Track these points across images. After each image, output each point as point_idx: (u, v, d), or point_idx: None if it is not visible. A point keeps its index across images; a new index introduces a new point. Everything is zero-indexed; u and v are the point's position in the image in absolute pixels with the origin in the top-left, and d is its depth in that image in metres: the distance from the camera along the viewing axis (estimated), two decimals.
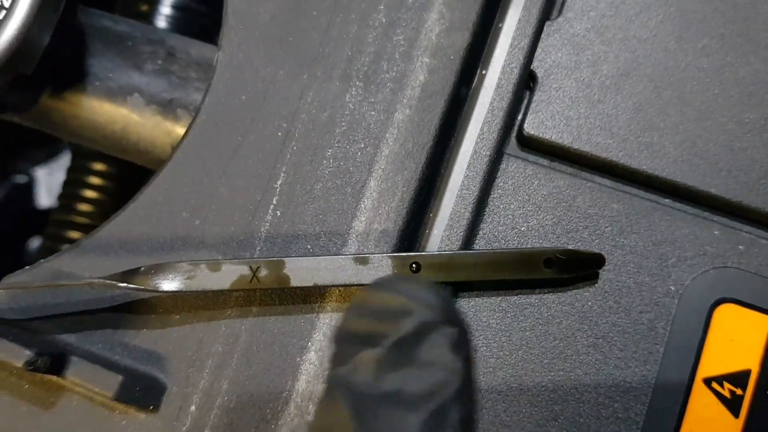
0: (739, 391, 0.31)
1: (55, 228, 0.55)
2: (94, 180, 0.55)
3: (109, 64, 0.40)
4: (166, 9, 0.54)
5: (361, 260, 0.31)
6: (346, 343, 0.23)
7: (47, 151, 0.71)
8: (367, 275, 0.31)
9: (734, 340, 0.32)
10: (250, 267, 0.31)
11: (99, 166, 0.54)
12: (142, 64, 0.40)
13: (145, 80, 0.40)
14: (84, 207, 0.55)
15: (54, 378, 0.32)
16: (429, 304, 0.22)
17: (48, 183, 0.70)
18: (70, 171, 0.56)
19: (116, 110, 0.40)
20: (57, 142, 0.69)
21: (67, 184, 0.56)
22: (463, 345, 0.22)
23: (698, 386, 0.32)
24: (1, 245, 0.66)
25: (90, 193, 0.55)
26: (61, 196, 0.56)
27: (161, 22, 0.54)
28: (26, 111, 0.40)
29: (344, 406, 0.21)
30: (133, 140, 0.40)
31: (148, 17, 0.53)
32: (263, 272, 0.31)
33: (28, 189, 0.70)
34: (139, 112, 0.39)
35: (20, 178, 0.71)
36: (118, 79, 0.40)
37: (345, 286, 0.32)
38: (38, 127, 0.42)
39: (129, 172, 0.54)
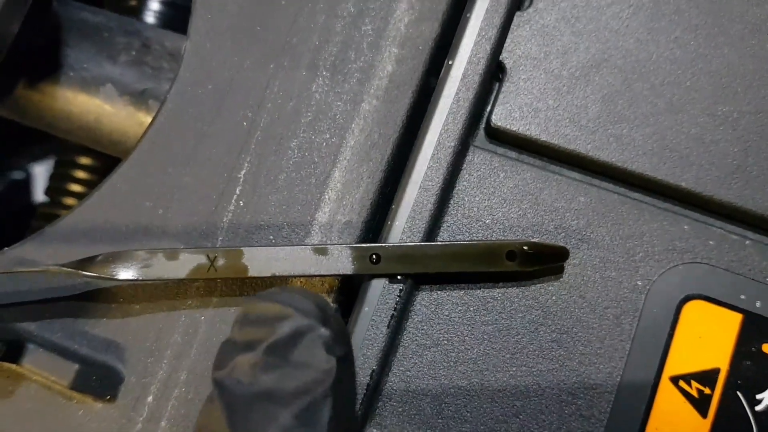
0: (707, 390, 0.31)
1: (42, 222, 0.55)
2: (80, 174, 0.55)
3: (84, 55, 0.40)
4: (155, 5, 0.54)
5: (321, 250, 0.31)
6: (226, 350, 0.24)
7: (45, 147, 0.71)
8: (326, 266, 0.31)
9: (703, 337, 0.31)
10: (208, 256, 0.31)
11: (85, 160, 0.55)
12: (116, 55, 0.40)
13: (118, 71, 0.40)
14: (70, 201, 0.55)
15: (12, 366, 0.31)
16: (304, 309, 0.23)
17: (46, 179, 0.70)
18: (57, 165, 0.56)
19: (90, 101, 0.40)
20: (55, 137, 0.70)
21: (53, 178, 0.56)
22: (337, 345, 0.23)
23: (665, 385, 0.31)
24: None
25: (76, 187, 0.55)
26: (48, 191, 0.56)
27: (150, 18, 0.54)
28: (1, 101, 0.40)
29: (220, 405, 0.22)
30: (106, 131, 0.40)
31: (137, 13, 0.53)
32: (221, 262, 0.31)
33: (26, 185, 0.70)
34: (111, 103, 0.39)
35: (18, 174, 0.71)
36: (92, 70, 0.40)
37: (304, 276, 0.31)
38: (14, 117, 0.42)
39: (115, 166, 0.54)
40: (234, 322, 0.24)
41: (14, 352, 0.31)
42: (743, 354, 0.31)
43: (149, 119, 0.39)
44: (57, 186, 0.55)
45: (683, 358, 0.31)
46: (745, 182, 0.32)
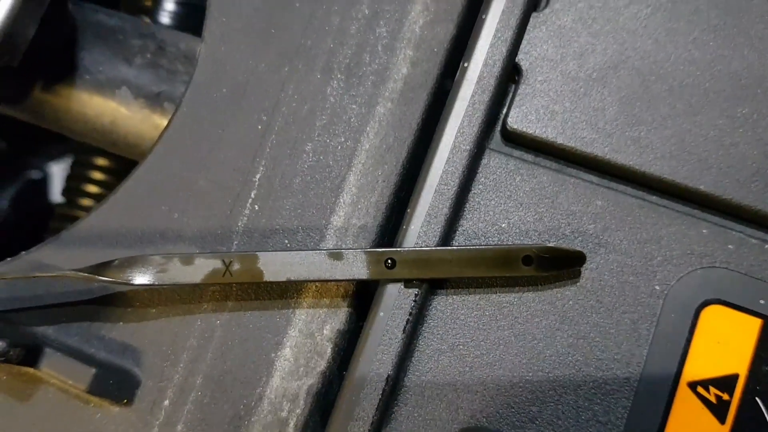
0: (725, 396, 0.30)
1: (59, 223, 0.55)
2: (97, 175, 0.55)
3: (100, 58, 0.40)
4: (169, 5, 0.54)
5: (335, 255, 0.31)
6: None
7: (62, 148, 0.71)
8: (341, 270, 0.31)
9: (721, 342, 0.31)
10: (223, 261, 0.31)
11: (101, 162, 0.55)
12: (131, 57, 0.40)
13: (133, 73, 0.40)
14: (86, 202, 0.55)
15: (30, 370, 0.32)
16: None
17: (63, 180, 0.71)
18: (74, 166, 0.56)
19: (105, 103, 0.40)
20: (72, 140, 0.70)
21: (70, 179, 0.56)
22: None
23: (683, 390, 0.30)
24: (15, 241, 0.67)
25: (92, 188, 0.55)
26: (65, 191, 0.56)
27: (165, 19, 0.54)
28: (18, 103, 0.41)
29: None
30: (122, 134, 0.40)
31: (152, 13, 0.54)
32: (236, 266, 0.31)
33: (43, 186, 0.71)
34: (127, 106, 0.39)
35: (36, 175, 0.71)
36: (108, 73, 0.40)
37: (319, 281, 0.31)
38: (30, 120, 0.42)
39: (131, 167, 0.54)
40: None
41: (32, 355, 0.31)
42: (763, 360, 0.30)
43: (164, 122, 0.39)
44: (74, 187, 0.55)
45: (701, 364, 0.31)
46: (765, 185, 0.31)
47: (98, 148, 0.54)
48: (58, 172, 0.71)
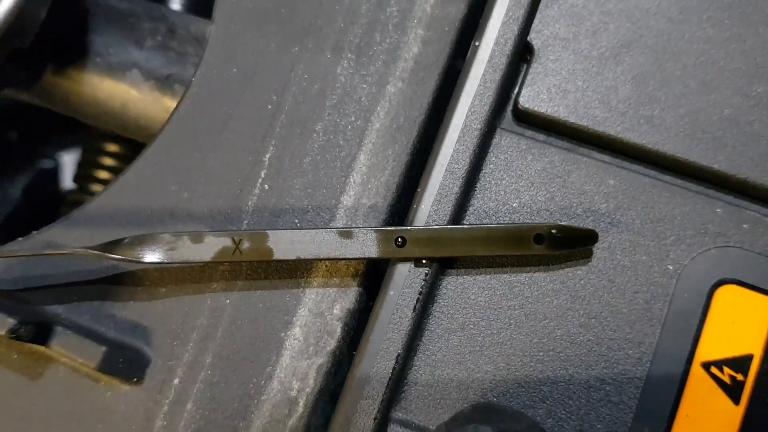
0: (740, 377, 0.30)
1: (70, 208, 0.56)
2: (108, 161, 0.55)
3: (110, 41, 0.40)
4: None
5: (345, 234, 0.31)
6: (462, 418, 0.29)
7: (74, 136, 0.71)
8: (351, 249, 0.31)
9: (736, 323, 0.30)
10: (233, 239, 0.31)
11: (112, 148, 0.55)
12: (142, 40, 0.40)
13: (144, 56, 0.40)
14: (97, 188, 0.55)
15: (41, 348, 0.32)
16: (536, 426, 0.29)
17: (74, 167, 0.71)
18: (85, 152, 0.56)
19: (116, 86, 0.40)
20: (84, 127, 0.70)
21: (81, 166, 0.56)
22: None
23: (696, 371, 0.30)
24: (26, 230, 0.67)
25: (103, 174, 0.55)
26: (76, 177, 0.57)
27: (175, 3, 0.54)
28: (30, 87, 0.41)
29: None
30: (132, 116, 0.40)
31: None
32: (246, 245, 0.31)
33: (55, 173, 0.71)
34: (137, 88, 0.39)
35: (47, 163, 0.71)
36: (118, 55, 0.40)
37: (329, 259, 0.31)
38: (42, 104, 0.42)
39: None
40: (475, 407, 0.30)
41: (43, 334, 0.31)
42: None
43: (175, 104, 0.39)
44: (85, 173, 0.55)
45: (715, 344, 0.30)
46: None
47: (109, 134, 0.54)
48: (69, 161, 0.71)
